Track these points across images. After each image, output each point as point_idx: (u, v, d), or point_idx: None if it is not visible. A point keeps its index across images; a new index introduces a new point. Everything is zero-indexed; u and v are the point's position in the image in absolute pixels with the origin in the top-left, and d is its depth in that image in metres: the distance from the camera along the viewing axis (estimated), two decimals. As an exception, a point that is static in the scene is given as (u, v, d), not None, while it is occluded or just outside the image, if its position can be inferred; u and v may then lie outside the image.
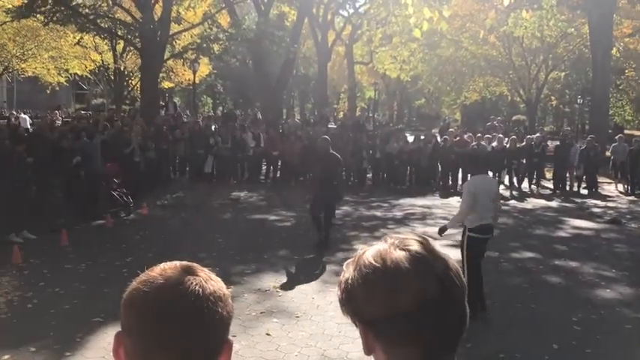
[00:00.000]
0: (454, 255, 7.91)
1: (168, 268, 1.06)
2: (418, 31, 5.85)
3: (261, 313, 6.32)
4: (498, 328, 6.09)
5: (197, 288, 1.02)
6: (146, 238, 10.03)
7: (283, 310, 6.46)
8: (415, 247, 1.04)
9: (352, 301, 1.05)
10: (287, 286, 7.35)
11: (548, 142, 20.58)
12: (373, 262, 1.03)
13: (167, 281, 1.03)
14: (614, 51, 25.78)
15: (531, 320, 6.43)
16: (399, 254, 1.02)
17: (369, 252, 1.06)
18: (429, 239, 1.07)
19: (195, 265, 1.09)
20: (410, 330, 0.99)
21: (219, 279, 1.08)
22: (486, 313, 6.31)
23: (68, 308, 6.35)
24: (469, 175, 8.69)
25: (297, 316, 6.29)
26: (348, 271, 1.08)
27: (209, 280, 1.06)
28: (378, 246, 1.07)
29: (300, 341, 5.63)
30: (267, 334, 5.71)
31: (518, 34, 27.95)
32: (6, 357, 5.06)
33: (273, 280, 7.54)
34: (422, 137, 18.59)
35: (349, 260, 1.10)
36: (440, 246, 1.08)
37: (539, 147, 17.49)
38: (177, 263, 1.08)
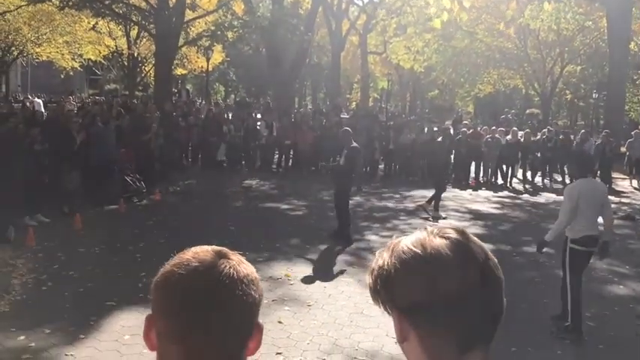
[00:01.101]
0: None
1: (201, 251, 1.07)
2: (438, 22, 5.79)
3: (272, 300, 6.34)
4: (510, 322, 6.04)
5: (231, 271, 1.03)
6: (158, 223, 10.08)
7: (295, 299, 6.47)
8: (455, 235, 1.03)
9: (388, 288, 1.03)
10: (299, 275, 7.36)
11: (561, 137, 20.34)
12: (413, 248, 1.02)
13: (201, 264, 1.03)
14: (632, 45, 25.46)
15: (544, 315, 6.40)
16: (440, 242, 1.01)
17: (406, 239, 1.05)
18: (465, 230, 1.06)
19: (226, 249, 1.09)
20: (447, 318, 0.98)
21: (249, 263, 1.09)
22: (582, 335, 5.77)
23: (82, 291, 6.40)
24: (571, 177, 7.18)
25: (309, 305, 6.30)
26: (382, 258, 1.06)
27: (241, 263, 1.06)
28: (416, 234, 1.06)
29: (311, 330, 5.64)
30: (279, 322, 5.73)
31: (534, 26, 27.69)
32: (21, 338, 5.12)
33: (285, 269, 7.55)
34: (435, 129, 18.48)
35: (382, 249, 1.09)
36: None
37: (552, 141, 17.35)
38: (209, 247, 1.09)
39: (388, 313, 1.05)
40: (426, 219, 11.34)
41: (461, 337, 0.99)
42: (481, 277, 0.99)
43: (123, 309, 5.87)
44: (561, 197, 15.04)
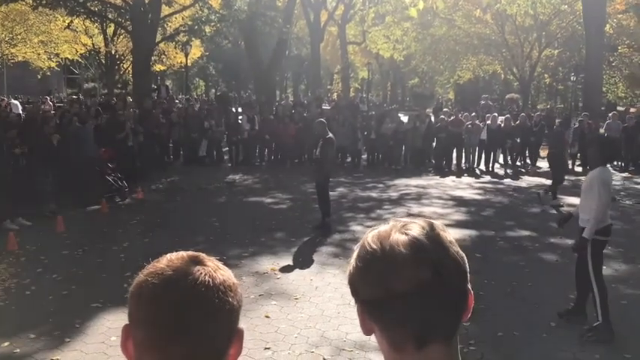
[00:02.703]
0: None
1: (175, 258, 1.05)
2: (414, 11, 5.79)
3: (259, 295, 6.34)
4: (496, 306, 6.12)
5: (207, 278, 1.01)
6: (142, 222, 10.01)
7: (282, 293, 6.48)
8: (415, 231, 1.03)
9: (351, 282, 1.07)
10: (285, 269, 7.36)
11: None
12: (372, 244, 1.04)
13: (175, 272, 1.01)
14: (607, 27, 25.70)
15: (528, 298, 6.47)
16: (398, 238, 1.02)
17: (370, 234, 1.08)
18: (436, 223, 1.06)
19: (202, 254, 1.07)
20: (400, 314, 1.00)
21: (227, 268, 1.07)
22: (613, 334, 5.42)
23: (66, 294, 6.34)
24: (590, 164, 6.46)
25: (296, 298, 6.31)
26: (354, 252, 1.09)
27: (218, 269, 1.05)
28: (381, 228, 1.08)
29: (299, 323, 5.65)
30: (267, 317, 5.73)
31: (511, 12, 27.84)
32: (5, 344, 5.06)
33: (270, 263, 7.55)
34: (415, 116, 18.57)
35: (359, 241, 1.11)
36: (448, 230, 1.07)
37: (538, 126, 17.51)
38: (184, 253, 1.07)
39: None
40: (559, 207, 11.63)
41: (416, 331, 1.00)
42: (436, 274, 0.99)
43: (108, 310, 5.83)
44: (544, 181, 15.21)
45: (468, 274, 1.05)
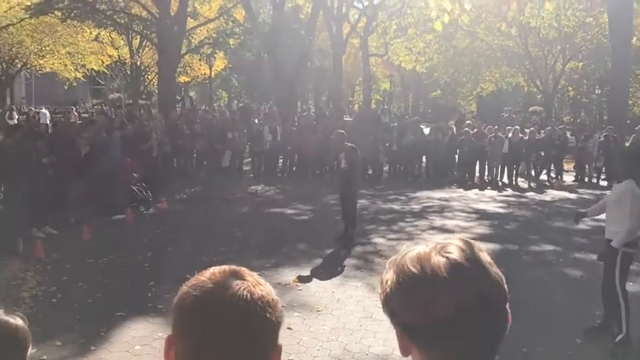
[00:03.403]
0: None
1: (217, 272, 1.08)
2: (439, 24, 5.81)
3: (281, 307, 6.34)
4: (520, 322, 6.03)
5: (245, 292, 1.03)
6: (166, 232, 10.11)
7: (304, 304, 6.48)
8: (455, 254, 1.03)
9: (389, 305, 1.06)
10: (307, 280, 7.37)
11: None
12: (412, 268, 1.03)
13: (216, 285, 1.04)
14: (633, 40, 25.36)
15: (553, 314, 6.39)
16: (439, 261, 1.02)
17: (409, 255, 1.07)
18: (475, 243, 1.07)
19: (243, 269, 1.10)
20: (445, 339, 0.99)
21: (267, 284, 1.09)
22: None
23: (91, 302, 6.43)
24: (615, 177, 6.29)
25: (318, 310, 6.31)
26: (388, 273, 1.08)
27: (257, 284, 1.07)
28: (420, 249, 1.07)
29: (321, 335, 5.65)
30: (289, 329, 5.74)
31: (534, 24, 27.66)
32: (33, 351, 5.12)
33: (292, 274, 7.56)
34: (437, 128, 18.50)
35: (392, 259, 1.11)
36: (486, 250, 1.08)
37: (561, 139, 17.32)
38: (227, 267, 1.09)
39: (394, 325, 1.07)
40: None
41: (459, 355, 1.00)
42: (478, 299, 0.99)
43: (133, 319, 5.90)
44: (568, 195, 15.00)
45: (507, 295, 1.05)
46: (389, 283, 1.07)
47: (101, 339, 5.46)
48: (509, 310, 1.06)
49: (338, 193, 10.11)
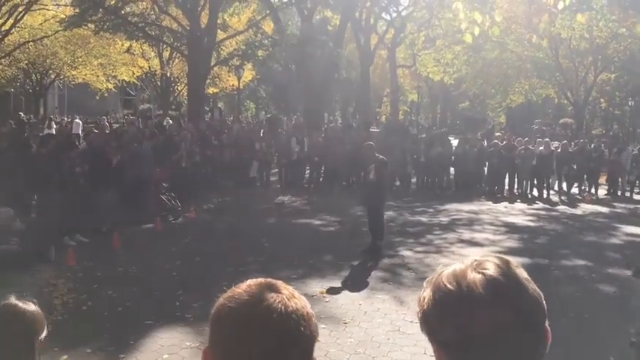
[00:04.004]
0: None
1: (253, 284, 1.09)
2: (469, 36, 5.77)
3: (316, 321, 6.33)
4: (551, 339, 5.93)
5: (280, 305, 1.04)
6: (194, 241, 10.20)
7: (331, 316, 6.46)
8: (492, 270, 1.02)
9: (427, 322, 1.06)
10: (334, 292, 7.34)
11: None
12: (448, 285, 1.02)
13: (251, 297, 1.05)
14: (667, 51, 24.88)
15: (585, 331, 6.25)
16: (475, 277, 1.01)
17: (445, 273, 1.06)
18: (511, 260, 1.05)
19: (279, 282, 1.11)
20: (482, 355, 0.98)
21: (302, 297, 1.10)
22: None
23: (121, 310, 6.50)
24: None
25: (345, 322, 6.28)
26: (425, 291, 1.08)
27: (292, 298, 1.07)
28: (456, 266, 1.06)
29: (348, 348, 5.62)
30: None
31: (565, 35, 27.32)
32: (64, 357, 5.22)
33: (319, 286, 7.55)
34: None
35: (429, 277, 1.10)
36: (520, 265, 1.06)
37: (598, 152, 16.98)
38: (263, 280, 1.10)
39: (431, 343, 1.07)
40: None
41: None
42: (515, 316, 0.97)
43: (161, 328, 5.95)
44: (600, 209, 14.73)
45: (546, 312, 1.03)
46: (426, 300, 1.06)
47: (130, 347, 5.52)
48: (549, 328, 1.03)
49: (365, 204, 10.05)
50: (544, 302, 1.03)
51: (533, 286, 1.03)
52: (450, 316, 1.01)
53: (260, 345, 1.01)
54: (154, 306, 6.56)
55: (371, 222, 9.60)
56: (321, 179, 17.70)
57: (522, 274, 1.03)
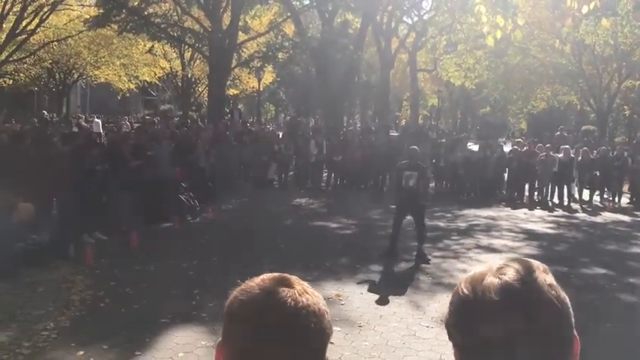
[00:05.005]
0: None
1: (267, 278, 1.08)
2: (491, 40, 5.73)
3: (330, 319, 6.31)
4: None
5: (290, 300, 1.02)
6: (211, 241, 10.25)
7: (346, 319, 6.43)
8: (509, 275, 0.99)
9: (447, 326, 1.05)
10: (349, 295, 7.32)
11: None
12: (464, 289, 1.02)
13: (262, 291, 1.04)
14: (694, 59, 24.46)
15: (606, 340, 6.14)
16: (491, 282, 0.99)
17: (467, 276, 1.05)
18: (536, 265, 1.03)
19: (293, 277, 1.09)
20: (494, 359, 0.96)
21: (316, 293, 1.08)
22: None
23: (137, 308, 6.54)
24: None
25: (360, 326, 6.25)
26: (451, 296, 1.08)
27: (304, 293, 1.05)
28: (476, 270, 1.05)
29: (363, 351, 5.59)
30: (331, 343, 5.67)
31: (589, 41, 27.01)
32: (81, 353, 5.27)
33: (335, 288, 7.52)
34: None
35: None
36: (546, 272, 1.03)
37: (621, 160, 16.72)
38: (277, 275, 1.09)
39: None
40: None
41: None
42: (526, 320, 0.95)
43: (177, 326, 5.97)
44: (621, 217, 14.51)
45: (572, 319, 1.00)
46: (448, 305, 1.06)
47: (146, 344, 5.54)
48: (576, 337, 1.01)
49: (400, 210, 9.72)
50: (570, 310, 1.01)
51: (556, 292, 0.99)
52: (463, 320, 1.00)
53: (269, 339, 1.00)
54: (170, 305, 6.59)
55: (417, 227, 9.54)
56: (338, 182, 17.68)
57: (545, 279, 1.00)
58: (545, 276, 1.01)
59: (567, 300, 1.01)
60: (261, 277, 1.09)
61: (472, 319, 0.98)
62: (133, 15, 19.24)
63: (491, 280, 0.99)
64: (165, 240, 10.23)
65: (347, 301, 7.07)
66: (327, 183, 17.77)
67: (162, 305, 6.59)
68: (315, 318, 1.03)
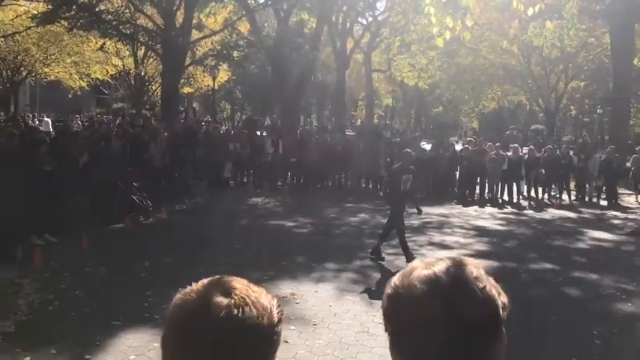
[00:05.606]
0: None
1: (206, 282, 1.06)
2: (441, 40, 5.85)
3: (275, 323, 6.31)
4: (517, 340, 6.01)
5: (223, 313, 0.98)
6: (165, 242, 10.11)
7: (301, 318, 6.46)
8: (437, 267, 1.04)
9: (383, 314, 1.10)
10: (304, 294, 7.35)
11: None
12: (396, 280, 1.07)
13: (197, 296, 1.02)
14: (635, 61, 25.51)
15: (551, 333, 6.37)
16: (420, 273, 1.04)
17: (402, 270, 1.10)
18: (468, 260, 1.08)
19: (235, 281, 1.06)
20: (415, 347, 1.01)
21: (262, 304, 1.03)
22: None
23: (88, 311, 6.41)
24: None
25: (315, 324, 6.29)
26: None
27: (243, 305, 1.00)
28: (411, 265, 1.10)
29: (317, 349, 5.63)
30: (285, 342, 5.71)
31: (537, 43, 27.82)
32: (27, 358, 5.13)
33: (290, 287, 7.55)
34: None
35: None
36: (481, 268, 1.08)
37: (567, 158, 17.29)
38: (217, 279, 1.07)
39: None
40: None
41: None
42: (448, 314, 0.98)
43: (128, 329, 5.88)
44: (568, 214, 14.99)
45: (499, 316, 1.02)
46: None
47: (96, 348, 5.44)
48: (502, 332, 1.04)
49: (402, 214, 9.82)
50: (496, 304, 1.03)
51: (481, 284, 1.02)
52: (390, 308, 1.06)
53: (198, 348, 0.97)
54: (122, 307, 6.48)
55: (388, 224, 9.66)
56: (295, 181, 17.70)
57: (472, 272, 1.03)
58: (473, 270, 1.05)
59: (495, 294, 1.04)
60: (204, 281, 1.05)
61: (398, 306, 1.03)
62: (83, 11, 18.75)
63: (420, 272, 1.04)
64: (117, 241, 10.04)
65: (302, 300, 7.10)
66: (283, 182, 17.76)
67: (113, 308, 6.47)
68: (249, 334, 0.98)
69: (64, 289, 7.17)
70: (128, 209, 11.44)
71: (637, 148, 18.82)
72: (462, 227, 12.60)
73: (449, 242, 10.92)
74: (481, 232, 12.18)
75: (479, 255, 9.90)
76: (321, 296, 7.31)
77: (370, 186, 17.51)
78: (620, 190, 17.65)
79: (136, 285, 7.33)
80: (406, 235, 10.96)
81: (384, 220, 12.95)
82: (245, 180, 17.53)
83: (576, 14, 22.88)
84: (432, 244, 10.75)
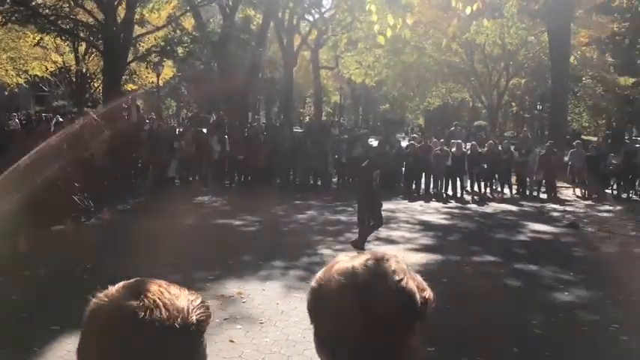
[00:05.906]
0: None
1: (122, 285, 1.02)
2: (382, 38, 5.92)
3: (224, 319, 6.27)
4: (459, 331, 6.16)
5: (127, 313, 0.95)
6: (107, 243, 9.85)
7: (247, 317, 6.42)
8: (357, 262, 1.06)
9: None
10: (251, 292, 7.30)
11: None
12: (320, 274, 1.09)
13: (109, 300, 1.00)
14: (571, 59, 26.49)
15: (492, 324, 6.53)
16: (340, 266, 1.06)
17: (327, 263, 1.11)
18: (389, 255, 1.09)
19: (152, 286, 1.01)
20: (330, 336, 1.03)
21: (178, 306, 0.98)
22: None
23: (26, 317, 6.18)
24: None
25: (262, 322, 6.26)
26: None
27: (154, 307, 0.96)
28: (336, 259, 1.11)
29: (264, 347, 5.61)
30: (231, 341, 5.67)
31: (480, 41, 28.53)
32: (-41, 368, 4.91)
33: (237, 286, 7.49)
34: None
35: None
36: (403, 263, 1.09)
37: (507, 153, 17.80)
38: (132, 282, 1.03)
39: None
40: None
41: (341, 356, 1.02)
42: (360, 301, 1.00)
43: (68, 333, 5.69)
44: (509, 207, 15.43)
45: (415, 310, 1.03)
46: None
47: (34, 354, 5.26)
48: (417, 326, 1.04)
49: (365, 205, 10.02)
50: (413, 300, 1.03)
51: (398, 277, 1.03)
52: (312, 300, 1.07)
53: (107, 356, 0.95)
54: (62, 311, 6.24)
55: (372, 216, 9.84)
56: (242, 179, 17.57)
57: (391, 267, 1.05)
58: (392, 264, 1.06)
59: (414, 289, 1.05)
60: (120, 284, 1.02)
61: (318, 298, 1.05)
62: (18, 5, 18.08)
63: (340, 265, 1.06)
64: (57, 243, 9.71)
65: (248, 299, 7.06)
66: (230, 180, 17.60)
67: (52, 312, 6.25)
68: (159, 337, 0.94)
69: (0, 294, 6.89)
70: (69, 210, 11.07)
71: (574, 143, 19.54)
72: (407, 222, 12.81)
73: (395, 237, 11.07)
74: (426, 226, 12.41)
75: (424, 249, 10.08)
76: (268, 294, 7.28)
77: (319, 183, 17.55)
78: (559, 184, 18.31)
79: (77, 289, 7.06)
80: (354, 230, 11.08)
81: (332, 217, 13.08)
82: (191, 179, 17.26)
83: (516, 13, 23.57)
84: (378, 239, 10.86)
